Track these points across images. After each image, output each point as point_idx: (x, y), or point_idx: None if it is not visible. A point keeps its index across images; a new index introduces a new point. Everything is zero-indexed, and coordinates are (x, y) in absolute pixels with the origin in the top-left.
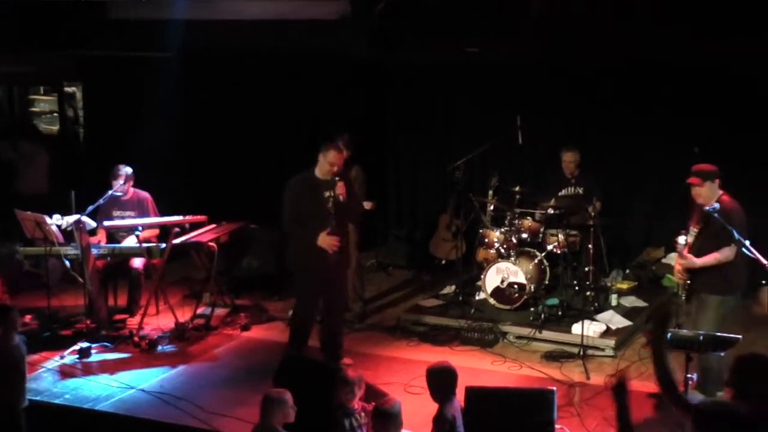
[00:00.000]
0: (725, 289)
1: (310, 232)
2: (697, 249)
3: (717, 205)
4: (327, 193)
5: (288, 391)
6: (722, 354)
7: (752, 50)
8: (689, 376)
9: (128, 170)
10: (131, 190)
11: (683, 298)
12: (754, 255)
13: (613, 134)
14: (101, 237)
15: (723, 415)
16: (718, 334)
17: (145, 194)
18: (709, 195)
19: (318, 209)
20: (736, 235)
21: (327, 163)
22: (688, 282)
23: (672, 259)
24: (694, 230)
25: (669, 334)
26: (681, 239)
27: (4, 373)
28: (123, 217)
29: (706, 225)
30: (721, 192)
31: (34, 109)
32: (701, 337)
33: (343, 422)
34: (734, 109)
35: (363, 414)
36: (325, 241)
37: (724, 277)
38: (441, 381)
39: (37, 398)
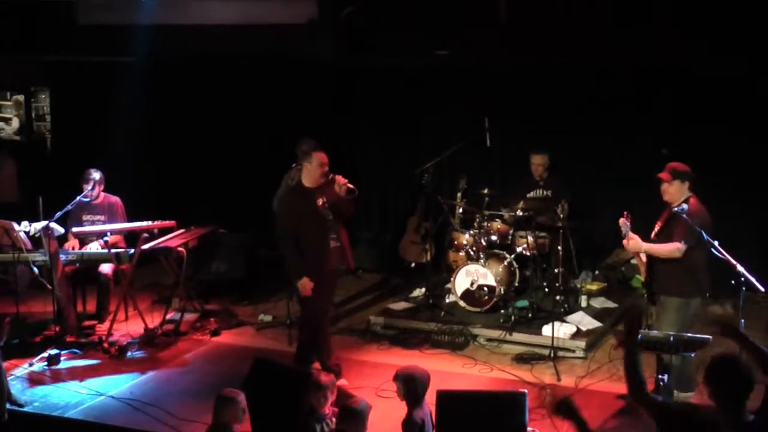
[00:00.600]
0: (685, 292)
1: (310, 251)
2: (654, 242)
3: (685, 206)
4: (321, 201)
5: (242, 393)
6: (692, 355)
7: (719, 51)
8: (660, 377)
9: (97, 175)
10: (102, 194)
11: (645, 297)
12: (724, 256)
13: (582, 136)
14: (74, 243)
15: (685, 416)
16: (688, 335)
17: (116, 199)
18: (675, 194)
19: (315, 221)
20: (705, 236)
21: (317, 167)
22: (648, 284)
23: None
24: (658, 228)
25: (639, 335)
26: (622, 222)
27: None
28: (93, 222)
29: (666, 223)
30: (690, 194)
31: (1, 114)
32: (671, 338)
33: (314, 427)
34: (703, 110)
35: (334, 420)
36: (305, 286)
37: (683, 279)
38: (410, 385)
39: (7, 406)
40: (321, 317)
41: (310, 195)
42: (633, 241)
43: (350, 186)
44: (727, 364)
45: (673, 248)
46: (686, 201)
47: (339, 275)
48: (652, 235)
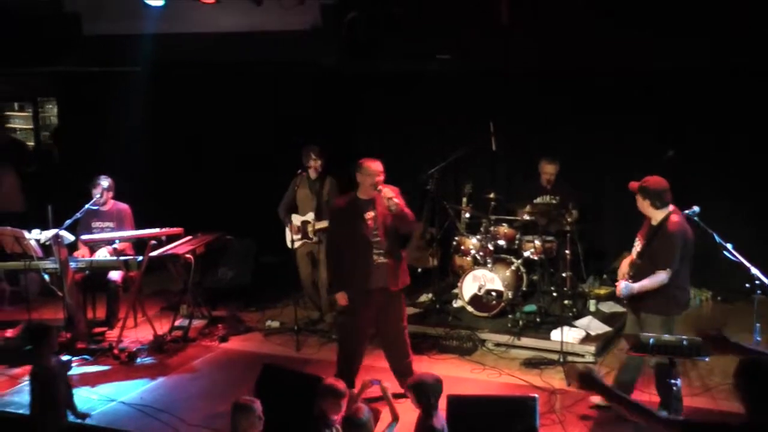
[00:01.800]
0: (667, 310)
1: (351, 268)
2: (637, 268)
3: (696, 209)
4: (371, 215)
5: (258, 400)
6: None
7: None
8: (673, 381)
9: (106, 182)
10: (111, 201)
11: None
12: (738, 259)
13: (587, 140)
14: (85, 251)
15: (717, 429)
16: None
17: (125, 206)
18: (641, 208)
19: (359, 236)
20: (718, 239)
21: (365, 177)
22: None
23: None
24: (639, 244)
25: (651, 340)
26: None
27: (39, 394)
28: (102, 229)
29: (649, 242)
30: (671, 209)
31: (9, 125)
32: (684, 342)
33: None
34: (710, 113)
35: (340, 427)
36: (339, 300)
37: (665, 298)
38: (420, 391)
39: (20, 412)
40: (355, 336)
41: (359, 208)
42: (621, 288)
43: (395, 200)
44: (761, 367)
45: (661, 279)
46: (667, 218)
47: (390, 295)
48: (633, 254)
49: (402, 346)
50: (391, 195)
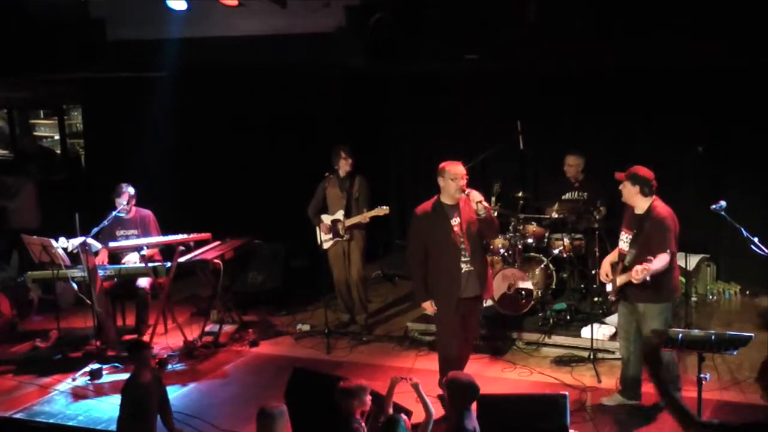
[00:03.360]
0: (663, 297)
1: (438, 275)
2: (633, 257)
3: (723, 204)
4: (457, 220)
5: (282, 404)
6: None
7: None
8: (702, 376)
9: (131, 189)
10: (134, 208)
11: (611, 299)
12: (765, 252)
13: (615, 137)
14: (103, 257)
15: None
16: (730, 333)
17: (147, 212)
18: (628, 196)
19: (446, 243)
20: (745, 233)
21: (449, 181)
22: (618, 290)
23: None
24: (627, 236)
25: (680, 335)
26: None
27: (133, 410)
28: (127, 236)
29: (639, 231)
30: (653, 198)
31: (36, 133)
32: (713, 337)
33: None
34: (740, 109)
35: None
36: (426, 310)
37: (658, 285)
38: (465, 392)
39: (51, 421)
40: (451, 344)
41: (444, 214)
42: (639, 272)
43: (484, 203)
44: None
45: (667, 260)
46: (650, 206)
47: (474, 303)
48: (623, 247)
49: (471, 350)
50: (480, 198)
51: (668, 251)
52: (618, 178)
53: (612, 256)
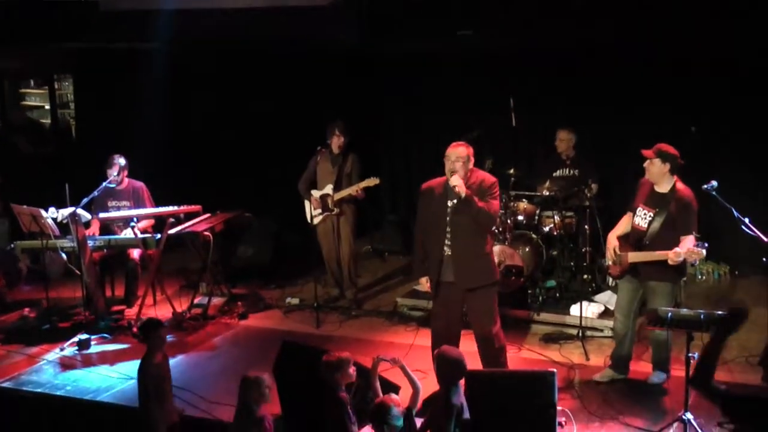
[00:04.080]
0: (674, 276)
1: (428, 255)
2: (655, 235)
3: (715, 183)
4: (452, 202)
5: (265, 373)
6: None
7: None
8: (690, 355)
9: (122, 160)
10: (126, 179)
11: (611, 274)
12: (755, 233)
13: (608, 115)
14: (94, 228)
15: None
16: (719, 312)
17: (140, 184)
18: (656, 173)
19: (435, 224)
20: (736, 214)
21: (446, 162)
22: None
23: None
24: (647, 213)
25: (669, 314)
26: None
27: (153, 390)
28: (119, 207)
29: (663, 209)
30: (675, 178)
31: (26, 102)
32: (702, 316)
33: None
34: (733, 89)
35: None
36: (422, 287)
37: (672, 264)
38: (451, 368)
39: (39, 390)
40: (434, 323)
41: (445, 193)
42: (680, 254)
43: (462, 191)
44: None
45: (693, 242)
46: (674, 187)
47: (457, 291)
48: (639, 221)
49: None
50: (456, 183)
51: (694, 233)
52: (645, 155)
53: (619, 230)
